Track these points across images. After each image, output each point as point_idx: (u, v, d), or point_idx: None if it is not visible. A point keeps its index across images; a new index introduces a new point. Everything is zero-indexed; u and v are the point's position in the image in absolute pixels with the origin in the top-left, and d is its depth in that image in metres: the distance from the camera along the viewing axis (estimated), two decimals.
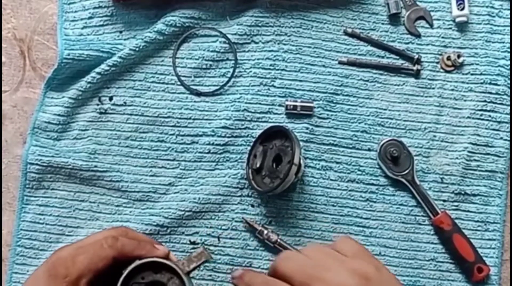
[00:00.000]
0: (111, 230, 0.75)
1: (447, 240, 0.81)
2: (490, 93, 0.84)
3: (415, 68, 0.84)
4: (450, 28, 0.85)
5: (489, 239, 0.82)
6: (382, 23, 0.85)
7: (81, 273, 0.68)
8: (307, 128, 0.83)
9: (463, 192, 0.83)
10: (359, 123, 0.84)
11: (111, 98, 0.84)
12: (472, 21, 0.84)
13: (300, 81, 0.84)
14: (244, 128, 0.83)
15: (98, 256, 0.69)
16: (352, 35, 0.84)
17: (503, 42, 0.84)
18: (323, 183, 0.83)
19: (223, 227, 0.82)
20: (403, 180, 0.82)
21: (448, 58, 0.84)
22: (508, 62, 0.84)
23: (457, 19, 0.84)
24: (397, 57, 0.85)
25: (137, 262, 0.70)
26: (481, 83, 0.84)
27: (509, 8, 0.85)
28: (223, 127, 0.83)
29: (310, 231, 0.82)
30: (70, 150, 0.83)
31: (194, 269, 0.73)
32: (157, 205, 0.83)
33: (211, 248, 0.82)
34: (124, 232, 0.75)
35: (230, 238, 0.82)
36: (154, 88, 0.84)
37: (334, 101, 0.84)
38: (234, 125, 0.83)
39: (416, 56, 0.84)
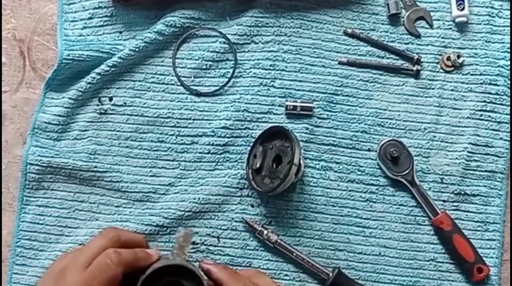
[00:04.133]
0: (103, 238, 0.74)
1: (447, 240, 0.81)
2: (490, 93, 0.84)
3: (415, 68, 0.84)
4: (450, 29, 0.85)
5: (489, 239, 0.82)
6: (382, 24, 0.85)
7: None
8: (307, 128, 0.83)
9: (463, 192, 0.83)
10: (359, 123, 0.84)
11: (111, 99, 0.84)
12: (472, 22, 0.84)
13: (300, 81, 0.84)
14: (244, 128, 0.83)
15: (109, 277, 0.70)
16: (352, 36, 0.85)
17: (503, 43, 0.84)
18: (323, 183, 0.83)
19: (223, 227, 0.82)
20: (403, 180, 0.82)
21: (448, 59, 0.84)
22: (508, 63, 0.84)
23: (457, 20, 0.84)
24: (397, 58, 0.85)
25: (142, 277, 0.71)
26: (481, 83, 0.84)
27: (509, 8, 0.85)
28: (223, 128, 0.83)
29: (310, 231, 0.82)
30: (70, 151, 0.83)
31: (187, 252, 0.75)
32: (157, 206, 0.83)
33: (211, 248, 0.82)
34: (117, 237, 0.74)
35: (230, 238, 0.82)
36: (154, 89, 0.84)
37: (334, 102, 0.84)
38: (234, 125, 0.83)
39: (416, 57, 0.84)
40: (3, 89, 0.86)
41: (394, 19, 0.85)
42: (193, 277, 0.74)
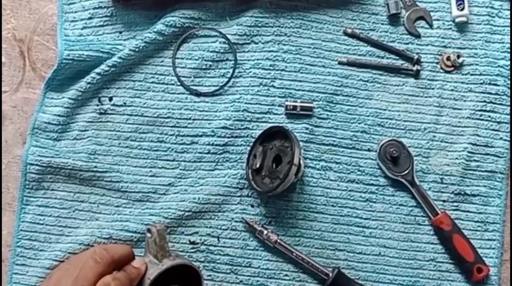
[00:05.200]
0: (98, 265, 0.72)
1: (446, 240, 0.81)
2: (490, 93, 0.84)
3: (414, 68, 0.84)
4: (450, 29, 0.85)
5: (488, 239, 0.82)
6: (382, 24, 0.85)
7: None
8: (306, 129, 0.83)
9: (462, 193, 0.83)
10: (359, 123, 0.84)
11: (111, 99, 0.84)
12: (471, 22, 0.84)
13: (300, 81, 0.84)
14: (244, 128, 0.83)
15: None
16: (352, 36, 0.85)
17: (503, 43, 0.84)
18: (323, 183, 0.83)
19: (223, 227, 0.82)
20: (402, 180, 0.82)
21: (448, 59, 0.84)
22: (508, 63, 0.84)
23: (457, 20, 0.84)
24: (397, 58, 0.85)
25: None
26: (481, 83, 0.84)
27: (509, 8, 0.85)
28: (223, 128, 0.83)
29: (310, 231, 0.82)
30: (70, 151, 0.83)
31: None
32: (157, 205, 0.83)
33: (211, 248, 0.82)
34: (110, 259, 0.73)
35: (230, 238, 0.82)
36: (154, 89, 0.84)
37: (334, 102, 0.84)
38: (234, 125, 0.83)
39: (416, 57, 0.84)
40: (3, 89, 0.86)
41: (394, 19, 0.85)
42: (188, 270, 0.75)
